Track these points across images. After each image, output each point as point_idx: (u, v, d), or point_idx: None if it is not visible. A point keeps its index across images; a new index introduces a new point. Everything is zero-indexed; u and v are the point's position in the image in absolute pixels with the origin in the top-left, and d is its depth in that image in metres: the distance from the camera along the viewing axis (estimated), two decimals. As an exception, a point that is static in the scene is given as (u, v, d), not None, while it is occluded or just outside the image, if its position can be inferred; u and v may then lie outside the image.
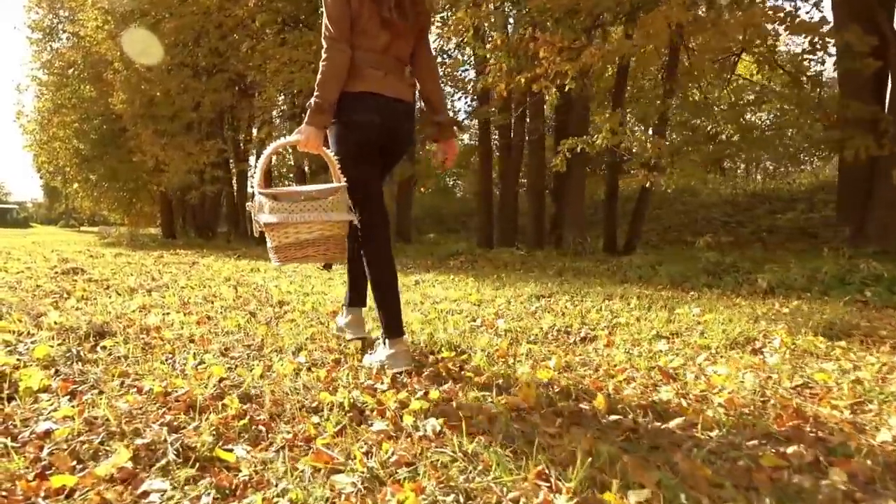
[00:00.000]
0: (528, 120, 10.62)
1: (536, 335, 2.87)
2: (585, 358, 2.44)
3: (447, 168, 2.47)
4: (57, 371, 1.93)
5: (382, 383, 1.93)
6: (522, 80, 5.47)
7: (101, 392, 1.74)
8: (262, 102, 11.24)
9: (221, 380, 1.90)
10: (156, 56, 12.61)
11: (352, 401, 1.70)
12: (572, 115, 8.80)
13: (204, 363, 2.18)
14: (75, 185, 21.69)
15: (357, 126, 2.06)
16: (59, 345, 2.24)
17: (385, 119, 2.08)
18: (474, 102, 12.17)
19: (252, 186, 2.17)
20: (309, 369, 2.12)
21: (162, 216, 20.77)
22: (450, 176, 25.96)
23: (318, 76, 1.99)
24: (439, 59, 12.13)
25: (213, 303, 3.86)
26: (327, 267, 2.55)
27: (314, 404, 1.69)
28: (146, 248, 12.84)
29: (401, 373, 2.04)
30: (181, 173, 12.64)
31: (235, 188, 16.76)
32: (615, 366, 2.29)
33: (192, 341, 2.58)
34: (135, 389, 1.78)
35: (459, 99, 12.66)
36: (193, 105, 13.04)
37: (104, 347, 2.34)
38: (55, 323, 2.68)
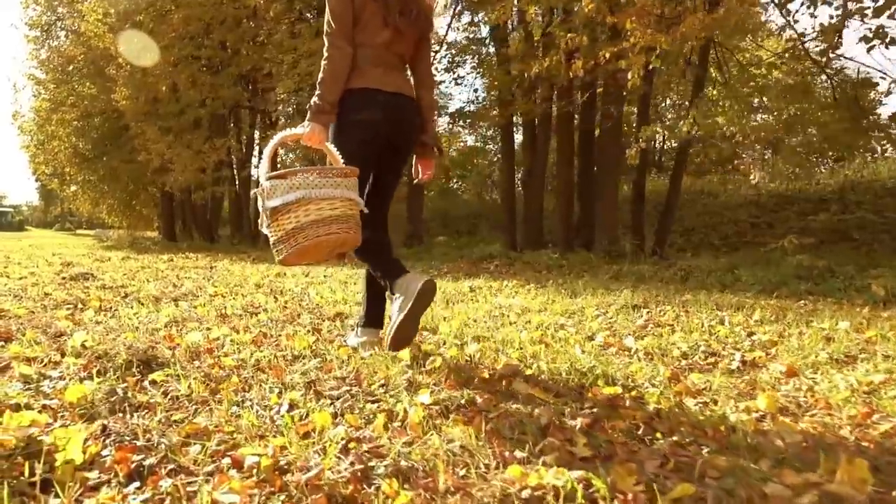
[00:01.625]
0: (554, 112, 10.03)
1: (683, 360, 2.30)
2: (783, 392, 1.87)
3: (421, 182, 2.43)
4: (104, 428, 1.33)
5: (574, 443, 1.35)
6: (606, 54, 4.85)
7: (184, 471, 1.14)
8: (278, 97, 10.60)
9: (348, 442, 1.30)
10: (151, 58, 12.02)
11: (562, 480, 1.11)
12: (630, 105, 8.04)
13: (297, 407, 1.59)
14: (73, 188, 20.94)
15: (359, 125, 2.07)
16: (98, 382, 1.65)
17: (388, 113, 2.09)
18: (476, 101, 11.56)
19: (257, 175, 2.06)
20: (444, 416, 1.54)
21: (162, 219, 20.04)
22: (452, 176, 25.28)
23: (320, 74, 2.01)
24: (471, 48, 11.52)
25: (257, 315, 3.27)
26: (341, 256, 2.29)
27: (517, 489, 1.09)
28: (150, 252, 12.20)
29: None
30: (189, 172, 11.95)
31: (238, 187, 16.01)
32: (842, 406, 1.71)
33: (261, 370, 2.00)
34: (228, 460, 1.19)
35: (485, 93, 12.07)
36: (200, 101, 12.39)
37: (155, 383, 1.75)
38: (83, 346, 2.09)
